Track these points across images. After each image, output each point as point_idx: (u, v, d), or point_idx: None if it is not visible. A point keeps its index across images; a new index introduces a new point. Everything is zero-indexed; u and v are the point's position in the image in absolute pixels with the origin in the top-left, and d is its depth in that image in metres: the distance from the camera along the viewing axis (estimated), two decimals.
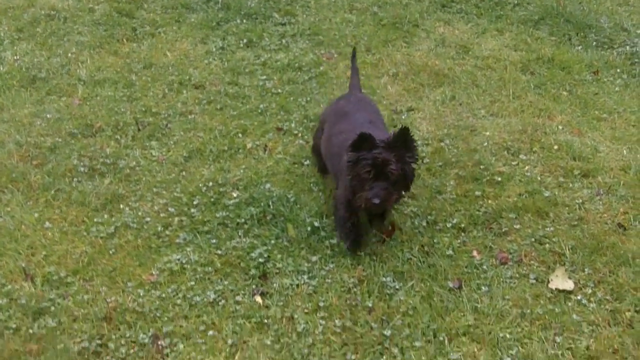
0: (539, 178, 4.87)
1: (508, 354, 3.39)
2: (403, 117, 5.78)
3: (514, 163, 5.08)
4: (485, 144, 5.33)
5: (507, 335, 3.51)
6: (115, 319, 3.70)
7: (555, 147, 5.25)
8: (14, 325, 3.67)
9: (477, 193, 4.69)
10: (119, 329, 3.64)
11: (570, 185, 4.79)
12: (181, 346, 3.51)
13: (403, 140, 3.79)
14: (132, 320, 3.69)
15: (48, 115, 5.84)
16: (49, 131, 5.65)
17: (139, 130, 5.67)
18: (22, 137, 5.47)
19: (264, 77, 6.39)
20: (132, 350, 3.50)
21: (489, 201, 4.61)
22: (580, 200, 4.59)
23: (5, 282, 4.00)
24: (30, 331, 3.62)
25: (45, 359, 3.45)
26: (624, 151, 5.22)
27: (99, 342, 3.55)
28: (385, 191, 3.73)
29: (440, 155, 5.17)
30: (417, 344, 3.48)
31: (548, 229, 4.31)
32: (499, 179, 4.84)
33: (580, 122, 5.71)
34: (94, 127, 5.71)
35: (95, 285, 3.97)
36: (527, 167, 5.02)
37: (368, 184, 3.74)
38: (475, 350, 3.44)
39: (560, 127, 5.59)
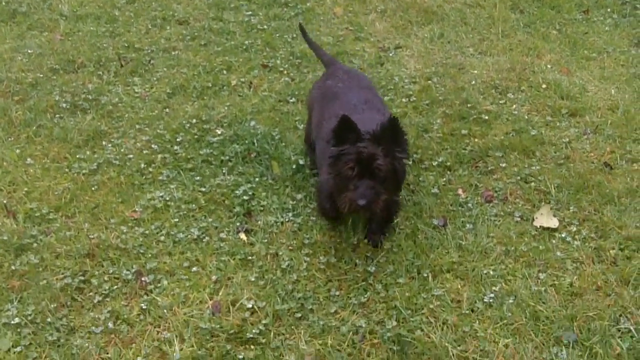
0: (526, 117, 4.84)
1: (491, 290, 3.39)
2: (391, 54, 5.70)
3: (501, 102, 5.04)
4: (473, 82, 5.27)
5: (491, 272, 3.51)
6: (98, 255, 3.68)
7: (544, 86, 5.21)
8: None
9: (463, 131, 4.65)
10: (102, 266, 3.62)
11: (558, 124, 4.76)
12: (165, 282, 3.50)
13: (392, 132, 3.32)
14: (115, 257, 3.66)
15: (29, 51, 5.73)
16: (30, 67, 5.55)
17: (121, 66, 5.58)
18: (2, 72, 5.38)
19: (249, 12, 6.27)
20: (115, 287, 3.48)
21: (476, 140, 4.57)
22: (567, 139, 4.57)
23: None
24: (13, 268, 3.59)
25: (28, 295, 3.42)
26: (612, 91, 5.18)
27: (82, 278, 3.53)
28: (372, 190, 3.24)
29: (428, 94, 5.12)
30: (401, 280, 3.48)
31: (534, 167, 4.29)
32: (486, 117, 4.80)
33: (569, 61, 5.66)
34: (76, 62, 5.62)
35: (77, 222, 3.94)
36: (514, 106, 4.97)
37: (352, 182, 3.27)
38: (459, 286, 3.45)
39: (548, 66, 5.54)
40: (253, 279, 3.50)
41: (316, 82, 4.46)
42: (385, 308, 3.33)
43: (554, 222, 3.81)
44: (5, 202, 4.06)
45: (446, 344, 3.11)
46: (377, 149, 3.27)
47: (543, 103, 4.99)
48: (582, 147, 4.49)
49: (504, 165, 4.31)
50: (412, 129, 4.67)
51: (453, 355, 3.06)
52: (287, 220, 3.90)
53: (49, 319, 3.28)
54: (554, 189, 4.09)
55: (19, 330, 3.22)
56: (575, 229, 3.79)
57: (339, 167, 3.33)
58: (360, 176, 3.25)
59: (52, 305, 3.35)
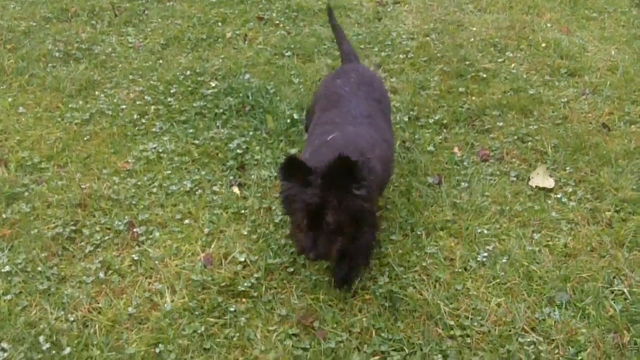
0: (524, 76, 4.78)
1: (485, 249, 3.38)
2: (389, 9, 5.61)
3: (500, 60, 4.98)
4: (472, 39, 5.21)
5: (485, 231, 3.49)
6: (90, 205, 3.64)
7: (543, 45, 5.14)
8: None
9: (461, 89, 4.60)
10: (94, 216, 3.59)
11: (556, 83, 4.71)
12: (157, 234, 3.47)
13: (345, 171, 2.78)
14: (107, 207, 3.63)
15: None
16: (23, 15, 5.46)
17: (115, 15, 5.49)
18: None
19: None
20: (107, 237, 3.45)
21: (473, 98, 4.53)
22: (566, 99, 4.53)
23: None
24: (4, 216, 3.57)
25: (19, 243, 3.40)
26: (612, 51, 5.13)
27: (73, 228, 3.50)
28: (324, 242, 2.83)
29: (425, 50, 5.05)
30: (394, 237, 3.46)
31: (531, 127, 4.25)
32: (484, 75, 4.75)
33: (570, 20, 5.59)
34: (69, 11, 5.54)
35: (69, 172, 3.90)
36: (513, 65, 4.92)
37: (303, 229, 2.88)
38: (453, 244, 3.43)
39: (548, 25, 5.47)
40: (245, 233, 3.48)
41: (326, 77, 4.01)
42: (378, 264, 3.31)
43: (549, 183, 3.79)
44: None
45: (438, 302, 3.10)
46: (329, 195, 2.78)
47: (542, 62, 4.93)
48: (581, 108, 4.45)
49: (501, 124, 4.27)
50: (409, 85, 4.62)
51: (445, 312, 3.05)
52: None
53: (39, 268, 3.26)
54: (551, 149, 4.05)
55: (9, 278, 3.21)
56: (571, 189, 3.76)
57: (290, 210, 2.94)
58: (311, 227, 2.83)
59: (43, 254, 3.33)
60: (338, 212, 2.81)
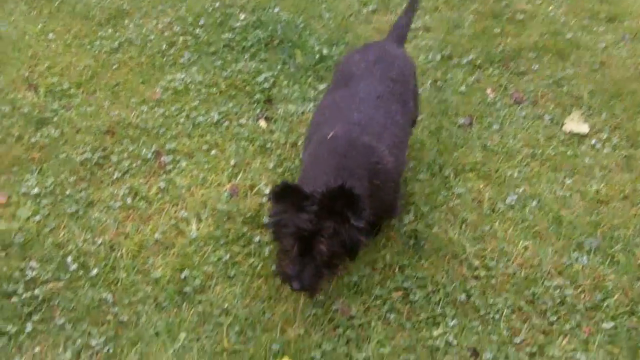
0: (562, 19, 4.65)
1: (514, 192, 3.34)
2: None
3: (537, 2, 4.83)
4: None
5: (515, 174, 3.44)
6: (118, 133, 3.64)
7: None
8: (16, 133, 3.63)
9: (496, 30, 4.49)
10: (122, 143, 3.59)
11: (595, 28, 4.57)
12: (184, 163, 3.47)
13: (344, 200, 2.54)
14: (135, 136, 3.63)
15: None
16: None
17: None
18: None
19: None
20: (134, 164, 3.46)
21: (509, 39, 4.41)
22: (604, 45, 4.40)
23: (8, 90, 3.93)
24: (33, 140, 3.59)
25: (48, 167, 3.42)
26: None
27: (101, 154, 3.51)
28: (311, 273, 2.60)
29: None
30: (422, 176, 3.42)
31: (568, 71, 4.15)
32: (521, 17, 4.62)
33: None
34: None
35: (98, 99, 3.89)
36: (551, 7, 4.78)
37: (290, 257, 2.63)
38: (481, 186, 3.39)
39: None
40: (271, 166, 3.47)
41: (348, 52, 3.72)
42: (404, 203, 3.29)
43: (584, 128, 3.71)
44: (26, 75, 4.02)
45: (464, 242, 3.09)
46: (325, 222, 2.55)
47: (581, 6, 4.79)
48: (619, 54, 4.32)
49: (536, 67, 4.17)
50: (443, 23, 4.52)
51: (470, 253, 3.04)
52: (307, 110, 3.83)
53: (68, 192, 3.28)
54: (587, 94, 3.96)
55: (38, 200, 3.24)
56: (605, 136, 3.68)
57: (278, 236, 2.67)
58: (301, 254, 2.59)
59: (71, 178, 3.35)
60: (332, 242, 2.57)
